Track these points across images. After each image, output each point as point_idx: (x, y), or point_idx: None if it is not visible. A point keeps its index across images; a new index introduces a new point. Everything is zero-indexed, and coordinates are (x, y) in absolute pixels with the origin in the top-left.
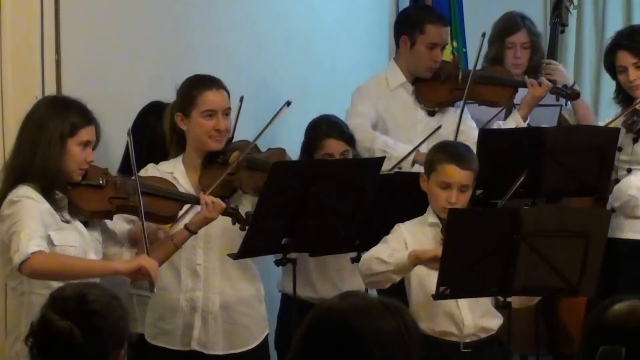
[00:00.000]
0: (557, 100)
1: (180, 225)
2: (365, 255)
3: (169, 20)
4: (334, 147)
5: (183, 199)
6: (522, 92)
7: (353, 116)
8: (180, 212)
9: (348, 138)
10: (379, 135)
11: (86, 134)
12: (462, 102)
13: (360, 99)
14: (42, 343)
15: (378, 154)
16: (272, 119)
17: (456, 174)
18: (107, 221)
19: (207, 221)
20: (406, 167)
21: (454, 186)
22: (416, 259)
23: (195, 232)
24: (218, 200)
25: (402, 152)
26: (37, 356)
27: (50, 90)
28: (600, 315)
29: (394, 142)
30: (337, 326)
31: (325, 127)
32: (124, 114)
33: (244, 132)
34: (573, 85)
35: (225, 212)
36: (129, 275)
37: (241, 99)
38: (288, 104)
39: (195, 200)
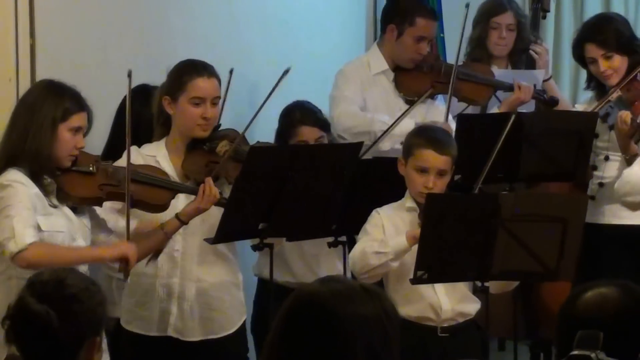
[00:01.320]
0: (536, 103)
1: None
2: (356, 254)
3: (144, 5)
4: (308, 134)
5: (176, 188)
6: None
7: (342, 102)
8: (172, 201)
9: (322, 124)
10: (373, 115)
11: (78, 119)
12: (446, 97)
13: (346, 83)
14: (18, 326)
15: (380, 135)
16: (273, 88)
17: (434, 158)
18: (97, 209)
19: (199, 211)
20: None
21: (432, 171)
22: (414, 240)
23: (187, 223)
24: (215, 191)
25: (402, 126)
26: (13, 339)
27: (24, 75)
28: (571, 305)
29: (389, 118)
30: (319, 311)
31: (299, 114)
32: (98, 98)
33: (221, 119)
34: (550, 77)
35: (219, 203)
36: (114, 261)
37: (230, 72)
38: (286, 71)
39: (188, 190)
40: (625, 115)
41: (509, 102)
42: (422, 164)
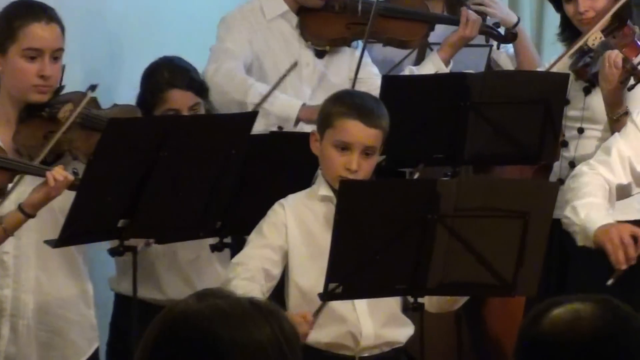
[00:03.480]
0: (487, 41)
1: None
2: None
3: None
4: (180, 101)
5: (18, 168)
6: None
7: (221, 57)
8: (10, 186)
9: (198, 87)
10: (255, 84)
11: None
12: (362, 42)
13: (228, 33)
14: None
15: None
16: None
17: (359, 132)
18: None
19: (48, 199)
20: (289, 128)
21: (356, 148)
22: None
23: (33, 215)
24: (66, 174)
25: (283, 106)
26: None
27: None
28: (535, 325)
29: (267, 89)
30: (199, 337)
31: (167, 75)
32: None
33: (71, 83)
34: (517, 23)
35: (72, 187)
36: None
37: None
38: (92, 88)
39: (35, 171)
40: (616, 55)
41: (451, 43)
42: (344, 138)
